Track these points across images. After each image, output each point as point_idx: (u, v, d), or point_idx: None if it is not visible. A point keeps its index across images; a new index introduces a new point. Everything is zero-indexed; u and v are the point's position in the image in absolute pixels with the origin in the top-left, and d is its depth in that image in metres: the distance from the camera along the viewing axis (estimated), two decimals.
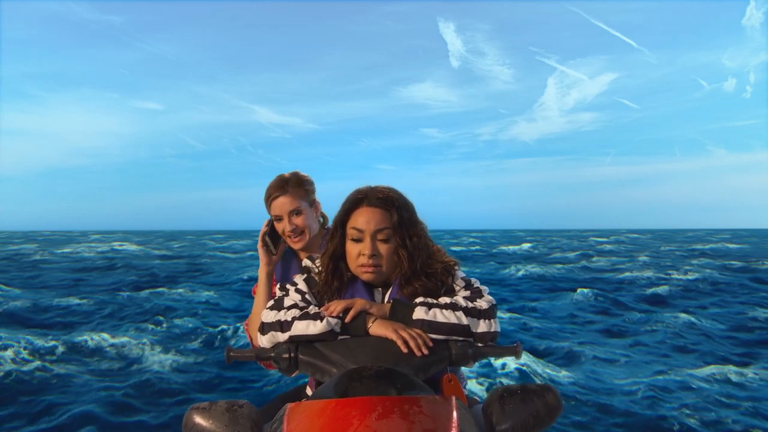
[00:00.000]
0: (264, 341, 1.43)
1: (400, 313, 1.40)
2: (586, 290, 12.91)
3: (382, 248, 1.47)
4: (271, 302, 1.50)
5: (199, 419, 1.18)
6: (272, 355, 1.38)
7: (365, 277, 1.50)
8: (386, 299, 1.51)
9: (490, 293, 1.48)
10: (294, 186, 1.97)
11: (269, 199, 1.99)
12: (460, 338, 1.37)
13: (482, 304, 1.42)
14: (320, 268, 1.55)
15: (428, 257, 1.52)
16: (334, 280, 1.52)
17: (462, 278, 1.53)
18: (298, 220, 1.96)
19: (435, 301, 1.42)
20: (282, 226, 1.98)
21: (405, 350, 1.30)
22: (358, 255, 1.48)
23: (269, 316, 1.44)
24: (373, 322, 1.39)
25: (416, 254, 1.49)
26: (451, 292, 1.50)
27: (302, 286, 1.54)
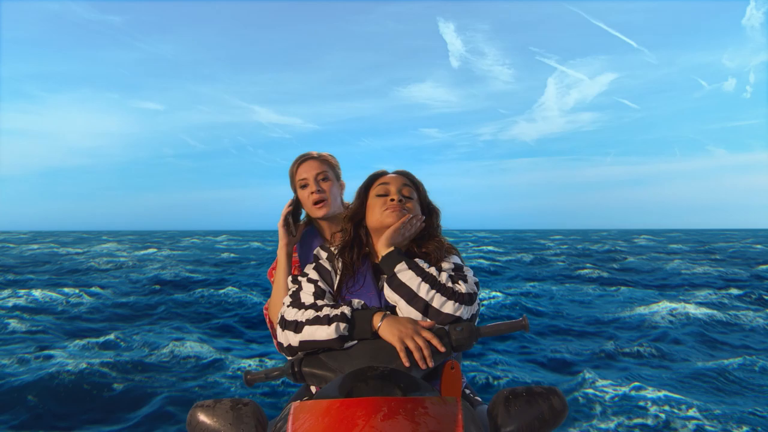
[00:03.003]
0: (281, 337, 1.44)
1: (388, 262, 1.47)
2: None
3: (407, 202, 1.58)
4: (289, 298, 1.51)
5: (203, 417, 1.18)
6: (277, 373, 1.42)
7: (389, 219, 1.54)
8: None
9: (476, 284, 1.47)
10: (320, 156, 1.97)
11: (297, 163, 1.94)
12: (421, 314, 1.39)
13: (461, 287, 1.41)
14: (342, 230, 1.64)
15: (438, 243, 1.59)
16: (354, 245, 1.58)
17: (454, 262, 1.53)
18: (325, 185, 1.91)
19: (422, 269, 1.44)
20: (307, 192, 1.91)
21: (407, 364, 1.26)
22: (383, 204, 1.57)
23: (289, 314, 1.45)
24: (381, 322, 1.36)
25: (431, 233, 1.60)
26: (439, 269, 1.50)
27: (313, 275, 1.55)
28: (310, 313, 1.40)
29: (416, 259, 1.48)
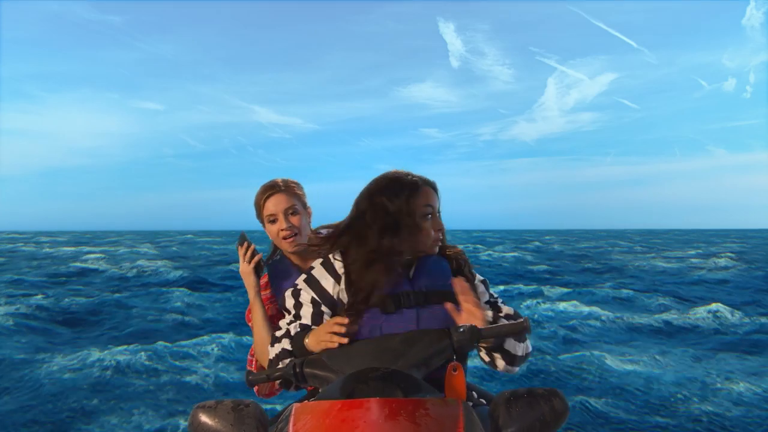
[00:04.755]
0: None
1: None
2: None
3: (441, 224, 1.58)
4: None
5: (204, 418, 1.18)
6: (279, 374, 1.41)
7: (435, 250, 1.57)
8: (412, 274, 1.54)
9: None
10: (287, 187, 1.95)
11: (263, 197, 1.93)
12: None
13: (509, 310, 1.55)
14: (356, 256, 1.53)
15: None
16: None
17: (481, 281, 1.62)
18: (294, 219, 1.91)
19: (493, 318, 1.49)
20: (276, 228, 1.91)
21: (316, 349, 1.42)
22: (432, 231, 1.55)
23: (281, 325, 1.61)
24: (307, 339, 1.46)
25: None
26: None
27: (301, 285, 1.57)
28: (277, 332, 1.56)
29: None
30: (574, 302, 10.84)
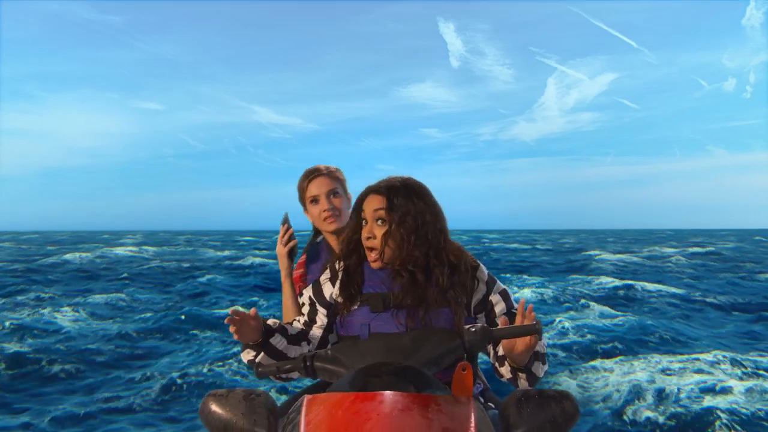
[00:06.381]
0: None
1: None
2: None
3: (377, 231, 1.51)
4: None
5: (215, 406, 1.18)
6: (289, 366, 1.41)
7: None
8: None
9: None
10: (329, 171, 2.04)
11: (307, 179, 2.01)
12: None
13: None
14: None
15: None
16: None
17: (500, 291, 1.58)
18: (336, 201, 1.99)
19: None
20: (318, 208, 1.99)
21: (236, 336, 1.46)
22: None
23: None
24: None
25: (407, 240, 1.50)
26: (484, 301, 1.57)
27: (307, 286, 1.69)
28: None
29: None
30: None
